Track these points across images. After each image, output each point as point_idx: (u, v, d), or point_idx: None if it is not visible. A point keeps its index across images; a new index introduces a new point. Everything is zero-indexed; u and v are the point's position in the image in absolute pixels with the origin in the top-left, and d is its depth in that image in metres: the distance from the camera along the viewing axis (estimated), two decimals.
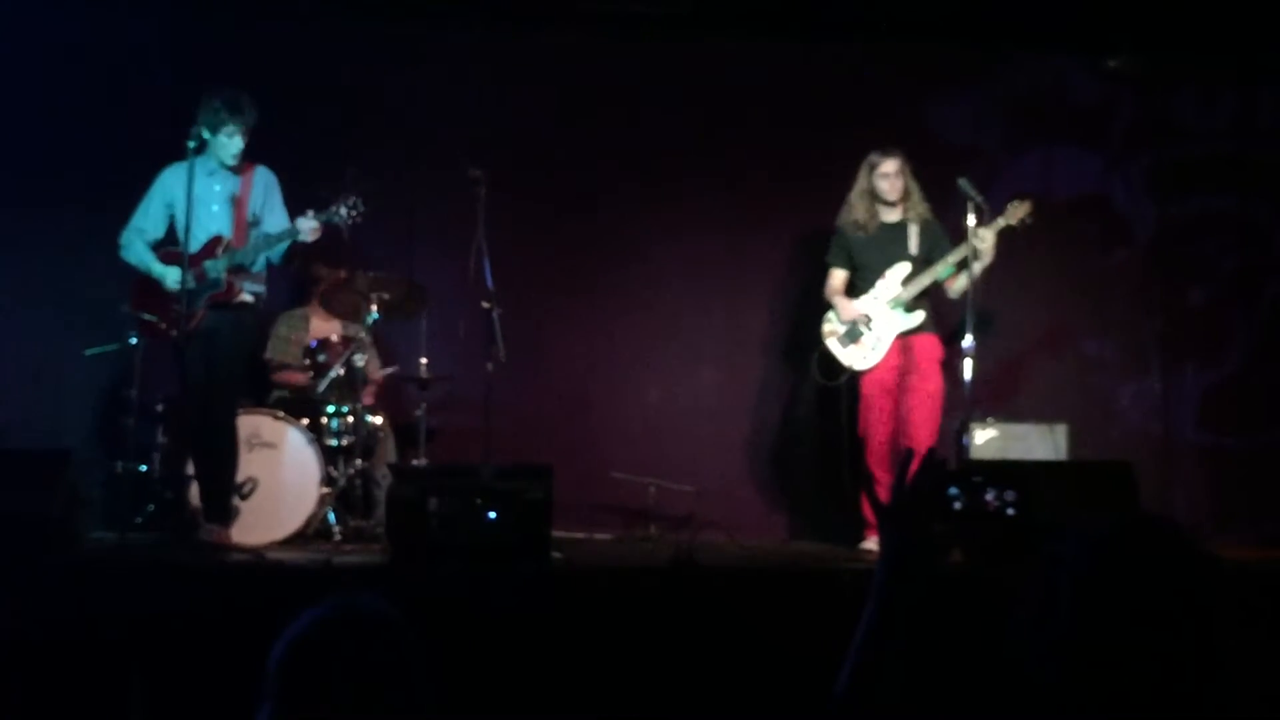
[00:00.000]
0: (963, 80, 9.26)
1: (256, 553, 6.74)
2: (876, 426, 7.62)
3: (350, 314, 8.22)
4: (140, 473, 7.70)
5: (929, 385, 7.61)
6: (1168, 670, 1.89)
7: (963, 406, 7.35)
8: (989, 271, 7.45)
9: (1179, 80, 9.33)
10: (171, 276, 6.94)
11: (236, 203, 7.08)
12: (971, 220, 7.25)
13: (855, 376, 7.73)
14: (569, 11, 8.87)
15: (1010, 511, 5.98)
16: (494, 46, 9.02)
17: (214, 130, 6.91)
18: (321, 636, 2.25)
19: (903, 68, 9.08)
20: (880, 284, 7.69)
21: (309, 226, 6.95)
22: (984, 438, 7.86)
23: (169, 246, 7.10)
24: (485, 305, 7.59)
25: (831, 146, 8.57)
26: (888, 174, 7.70)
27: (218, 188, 7.06)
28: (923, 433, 7.47)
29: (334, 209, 7.00)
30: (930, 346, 7.68)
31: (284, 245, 7.03)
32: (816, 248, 8.11)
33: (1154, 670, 1.89)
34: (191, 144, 6.84)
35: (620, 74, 9.08)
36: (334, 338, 7.96)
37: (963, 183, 7.32)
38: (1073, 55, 9.28)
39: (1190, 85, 9.34)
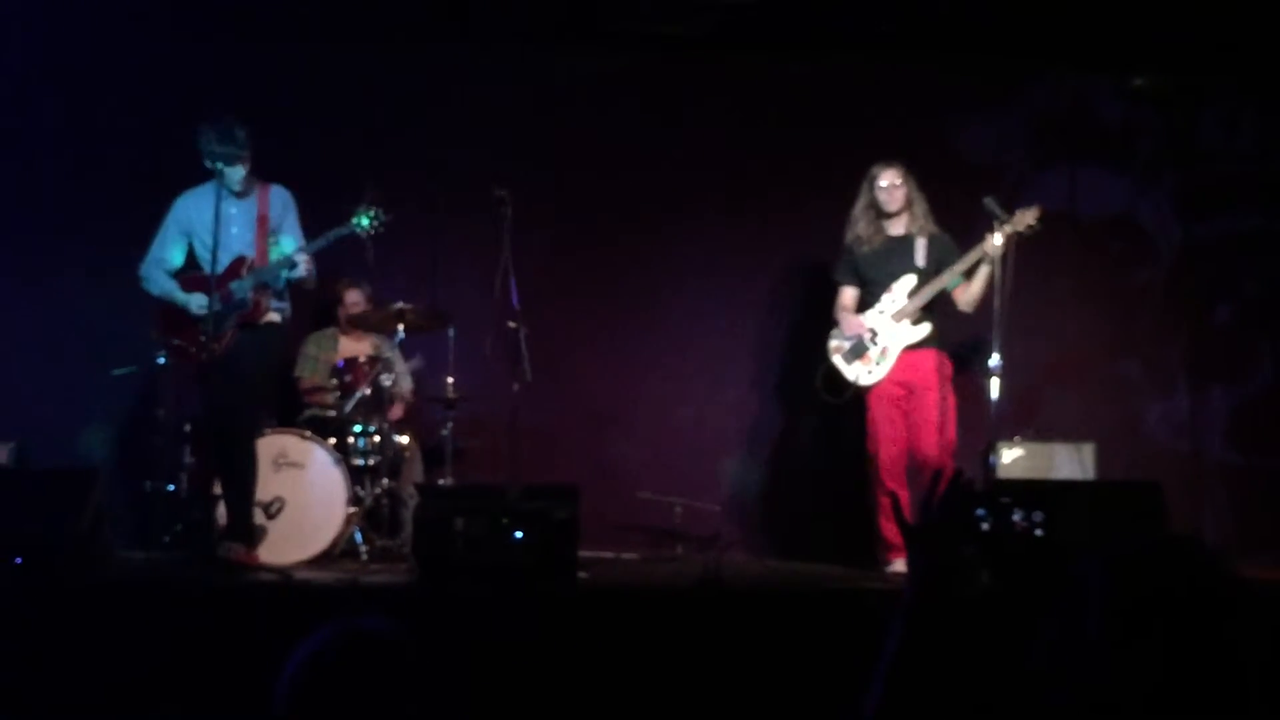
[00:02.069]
0: (987, 99, 9.25)
1: (283, 572, 6.76)
2: (886, 442, 7.56)
3: (377, 334, 8.27)
4: (168, 492, 7.74)
5: (936, 400, 7.54)
6: (1194, 694, 1.88)
7: (989, 425, 7.32)
8: (991, 277, 7.38)
9: (1204, 100, 9.31)
10: (195, 303, 6.99)
11: (258, 222, 7.11)
12: (998, 240, 7.23)
13: (862, 392, 7.70)
14: (592, 32, 8.89)
15: (1038, 532, 5.95)
16: (517, 67, 9.04)
17: (212, 160, 6.93)
18: (328, 660, 2.25)
19: (927, 87, 9.08)
20: (886, 297, 7.66)
21: (302, 258, 6.99)
22: (1010, 457, 7.82)
23: (190, 272, 7.15)
24: (511, 325, 7.60)
25: (856, 165, 8.56)
26: (885, 185, 7.69)
27: (234, 210, 7.08)
28: (931, 449, 7.42)
29: (355, 221, 7.03)
30: (937, 361, 7.64)
31: (287, 275, 7.07)
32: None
33: (1180, 694, 1.88)
34: (207, 164, 6.93)
35: (643, 93, 9.10)
36: (360, 358, 7.99)
37: (988, 201, 7.30)
38: (1098, 74, 9.27)
39: (1216, 105, 9.32)
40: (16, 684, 5.24)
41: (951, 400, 7.58)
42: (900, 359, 7.60)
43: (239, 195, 7.09)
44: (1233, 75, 9.11)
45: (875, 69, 9.06)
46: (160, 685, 5.29)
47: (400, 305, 7.81)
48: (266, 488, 7.29)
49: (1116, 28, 8.65)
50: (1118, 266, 9.25)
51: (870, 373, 7.63)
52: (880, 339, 7.63)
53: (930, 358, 7.63)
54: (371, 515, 7.73)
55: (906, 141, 8.57)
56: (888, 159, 7.75)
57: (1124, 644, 1.91)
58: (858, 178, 7.97)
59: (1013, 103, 9.30)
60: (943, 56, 8.96)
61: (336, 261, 7.90)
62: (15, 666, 5.28)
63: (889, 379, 7.60)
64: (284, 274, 7.04)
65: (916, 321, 7.61)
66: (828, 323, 8.00)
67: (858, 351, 7.66)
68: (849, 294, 7.84)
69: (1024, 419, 8.57)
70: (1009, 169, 9.12)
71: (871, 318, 7.68)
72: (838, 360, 7.74)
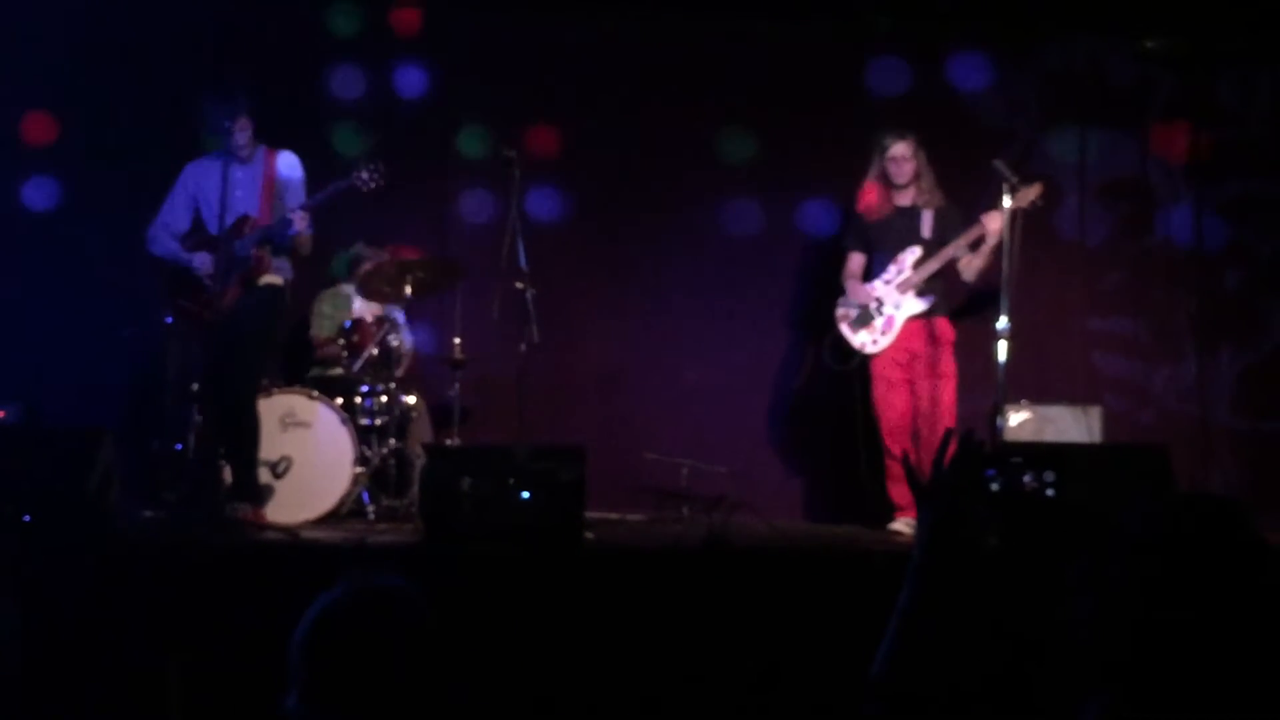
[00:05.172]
0: (999, 61, 9.19)
1: (290, 531, 6.77)
2: (890, 405, 7.72)
3: (387, 294, 8.24)
4: (175, 452, 7.73)
5: (942, 368, 7.71)
6: (1230, 650, 1.87)
7: (996, 388, 7.32)
8: (997, 248, 7.39)
9: (1217, 62, 9.24)
10: (199, 260, 7.00)
11: (264, 186, 7.12)
12: (1007, 201, 7.22)
13: (866, 360, 7.79)
14: None
15: (1049, 493, 5.95)
16: (529, 25, 9.00)
17: (217, 125, 7.01)
18: (342, 616, 2.26)
19: (938, 49, 9.02)
20: (892, 267, 7.77)
21: (298, 215, 6.97)
22: (1017, 419, 7.84)
23: (196, 235, 7.17)
24: (519, 285, 7.59)
25: (867, 131, 8.54)
26: (895, 157, 7.75)
27: (240, 174, 7.09)
28: (941, 416, 7.56)
29: (355, 173, 7.01)
30: (942, 329, 7.77)
31: (285, 232, 7.05)
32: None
33: (1215, 651, 1.87)
34: (212, 132, 7.01)
35: (655, 54, 9.06)
36: (368, 318, 7.98)
37: (997, 164, 7.31)
38: (1110, 36, 9.20)
39: (1229, 67, 9.25)
40: (22, 642, 5.25)
41: (954, 366, 7.70)
42: (904, 328, 7.70)
43: (243, 160, 7.10)
44: (1246, 36, 9.02)
45: (886, 33, 8.99)
46: (167, 643, 5.30)
47: (415, 258, 7.84)
48: (273, 447, 7.30)
49: None
50: (1127, 229, 9.21)
51: (875, 342, 7.74)
52: (885, 308, 7.71)
53: (933, 326, 7.74)
54: (378, 475, 7.74)
55: (917, 104, 8.56)
56: (900, 130, 7.78)
57: (1160, 601, 1.90)
58: (868, 144, 7.96)
59: (1024, 65, 9.25)
60: (953, 19, 8.89)
61: (353, 228, 7.94)
62: (21, 624, 5.29)
63: (893, 347, 7.71)
64: (286, 234, 7.04)
65: (921, 292, 7.68)
66: (833, 289, 8.01)
67: (864, 320, 7.76)
68: (856, 260, 7.95)
69: (1030, 381, 8.57)
70: (1020, 132, 9.07)
71: (878, 287, 7.75)
72: (844, 328, 7.86)
